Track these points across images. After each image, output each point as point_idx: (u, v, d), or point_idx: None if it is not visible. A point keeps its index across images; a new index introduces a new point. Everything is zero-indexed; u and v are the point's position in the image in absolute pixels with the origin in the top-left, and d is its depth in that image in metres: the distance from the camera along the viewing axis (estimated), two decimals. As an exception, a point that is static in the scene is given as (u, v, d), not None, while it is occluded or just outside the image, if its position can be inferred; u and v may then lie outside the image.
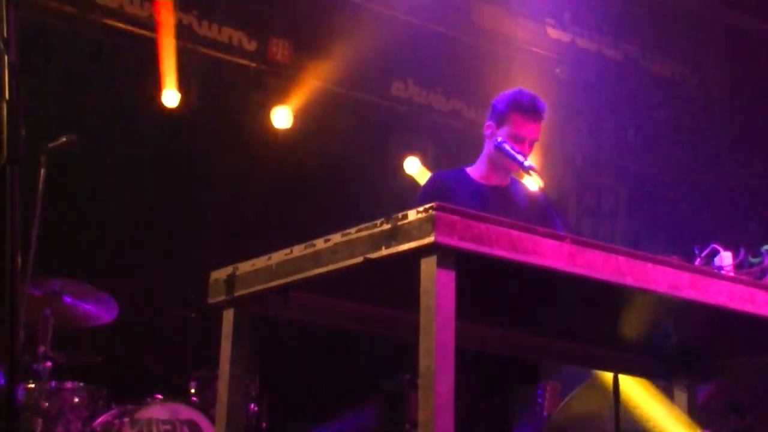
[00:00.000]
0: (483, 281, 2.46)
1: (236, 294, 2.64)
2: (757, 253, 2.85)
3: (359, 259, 2.27)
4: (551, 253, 2.28)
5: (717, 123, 8.77)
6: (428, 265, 2.16)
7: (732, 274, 2.78)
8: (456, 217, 2.16)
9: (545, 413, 5.40)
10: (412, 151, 8.11)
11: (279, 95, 7.55)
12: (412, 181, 7.79)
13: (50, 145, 4.89)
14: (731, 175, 8.47)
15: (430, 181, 4.19)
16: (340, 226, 2.35)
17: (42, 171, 4.84)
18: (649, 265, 2.45)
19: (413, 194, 4.39)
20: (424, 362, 2.12)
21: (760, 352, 3.32)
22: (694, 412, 3.49)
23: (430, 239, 2.13)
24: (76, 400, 5.25)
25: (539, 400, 5.45)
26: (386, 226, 2.23)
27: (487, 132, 4.08)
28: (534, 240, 2.26)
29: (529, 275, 2.36)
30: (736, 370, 3.53)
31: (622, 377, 3.64)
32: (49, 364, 5.18)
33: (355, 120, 7.89)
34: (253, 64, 7.40)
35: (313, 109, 7.60)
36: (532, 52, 8.29)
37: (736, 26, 8.87)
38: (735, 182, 8.43)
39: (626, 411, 4.06)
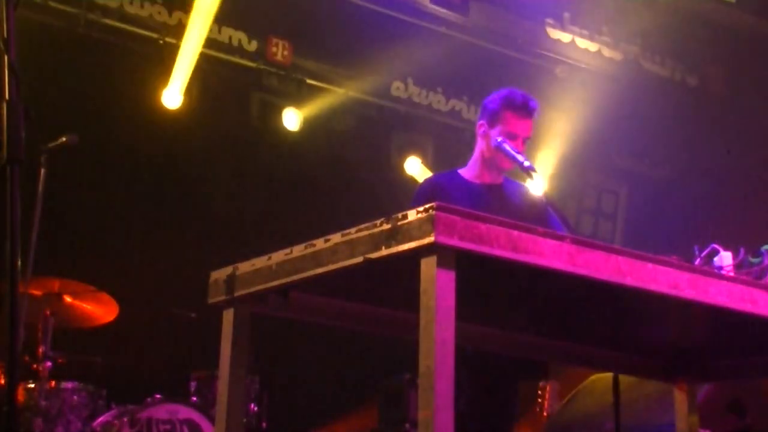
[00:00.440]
0: (483, 281, 2.45)
1: (236, 294, 2.64)
2: (757, 253, 2.84)
3: (359, 259, 2.27)
4: (551, 253, 2.28)
5: (717, 123, 8.77)
6: (428, 265, 2.15)
7: (732, 274, 2.77)
8: (456, 217, 2.16)
9: (545, 413, 5.40)
10: (412, 151, 8.11)
11: (279, 95, 7.55)
12: (412, 181, 7.79)
13: (50, 145, 4.88)
14: (731, 175, 8.46)
15: (424, 185, 4.22)
16: (340, 226, 2.34)
17: (42, 171, 4.84)
18: (649, 265, 2.45)
19: (413, 194, 4.39)
20: (424, 362, 2.11)
21: (759, 352, 3.31)
22: (694, 412, 3.48)
23: (430, 239, 2.12)
24: (76, 400, 5.26)
25: (539, 400, 5.46)
26: (386, 226, 2.22)
27: (480, 131, 4.10)
28: (534, 240, 2.26)
29: (529, 275, 2.35)
30: (736, 370, 3.52)
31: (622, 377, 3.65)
32: (49, 364, 5.19)
33: (355, 120, 7.89)
34: (253, 64, 7.41)
35: (313, 109, 7.60)
36: (532, 52, 8.30)
37: (736, 26, 8.87)
38: (735, 182, 8.42)
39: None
